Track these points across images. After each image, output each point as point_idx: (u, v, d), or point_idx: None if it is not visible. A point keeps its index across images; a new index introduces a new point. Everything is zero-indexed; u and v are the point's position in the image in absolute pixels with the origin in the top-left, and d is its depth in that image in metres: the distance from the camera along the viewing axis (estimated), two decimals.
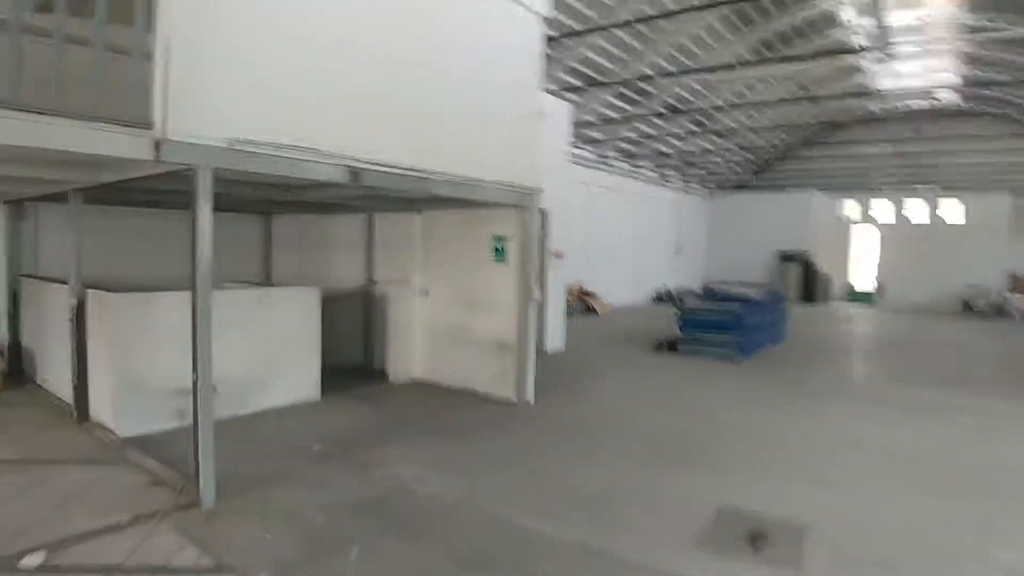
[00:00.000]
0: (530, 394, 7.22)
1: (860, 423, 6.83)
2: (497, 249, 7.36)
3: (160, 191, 7.27)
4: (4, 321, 7.88)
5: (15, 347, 7.79)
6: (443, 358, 7.99)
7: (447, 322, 7.92)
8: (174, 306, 6.03)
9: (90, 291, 6.15)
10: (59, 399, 6.61)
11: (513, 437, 5.97)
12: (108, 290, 6.07)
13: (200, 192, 4.26)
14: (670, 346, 11.23)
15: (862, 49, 15.57)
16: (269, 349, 6.71)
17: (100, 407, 6.00)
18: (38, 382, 7.35)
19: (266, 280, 10.26)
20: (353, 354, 9.01)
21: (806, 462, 5.48)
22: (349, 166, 4.99)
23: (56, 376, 6.85)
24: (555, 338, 11.00)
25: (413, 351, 8.26)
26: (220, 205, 9.26)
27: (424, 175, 5.68)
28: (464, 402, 7.24)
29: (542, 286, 7.30)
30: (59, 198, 8.03)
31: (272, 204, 8.58)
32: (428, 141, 5.76)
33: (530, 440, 5.91)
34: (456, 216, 7.79)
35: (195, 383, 4.41)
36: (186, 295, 6.18)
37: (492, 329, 7.43)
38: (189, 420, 6.16)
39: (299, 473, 4.91)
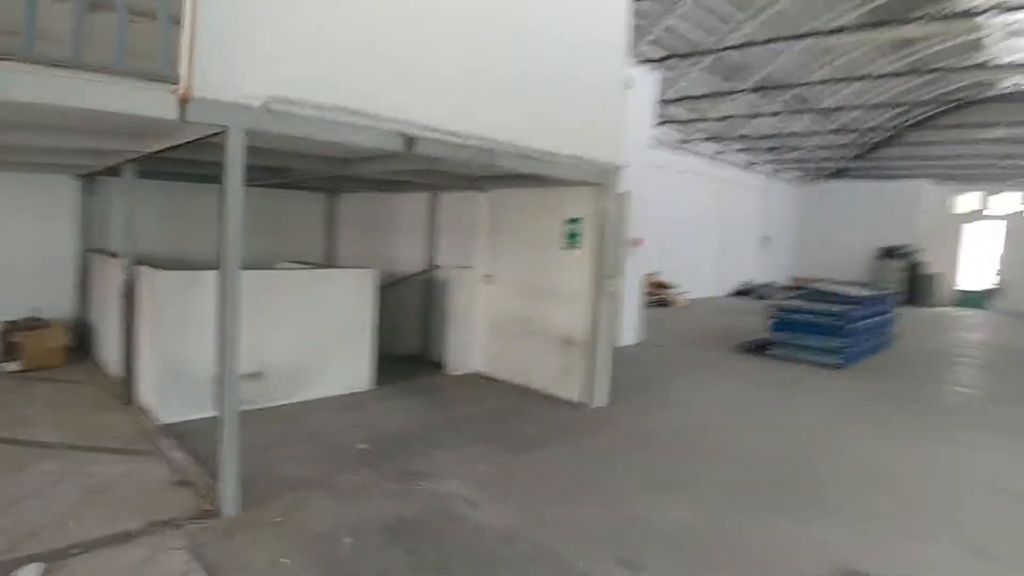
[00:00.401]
0: (600, 398, 6.44)
1: (1002, 458, 5.65)
2: (570, 233, 6.59)
3: (211, 164, 6.93)
4: (73, 296, 7.83)
5: (83, 323, 7.74)
6: (505, 351, 7.32)
7: (511, 312, 7.24)
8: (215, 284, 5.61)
9: (139, 268, 5.83)
10: (111, 379, 6.40)
11: (580, 452, 5.23)
12: (162, 267, 5.74)
13: (231, 159, 3.70)
14: (759, 348, 10.13)
15: (986, 11, 13.54)
16: (321, 335, 6.25)
17: (145, 390, 5.70)
18: (97, 360, 7.23)
19: (330, 261, 9.92)
20: (411, 343, 8.50)
21: (947, 514, 4.40)
22: (403, 133, 4.34)
23: (110, 355, 6.66)
24: (629, 333, 10.13)
25: (474, 342, 7.64)
26: (285, 181, 8.99)
27: (490, 146, 4.97)
28: (525, 402, 6.55)
29: (619, 276, 6.48)
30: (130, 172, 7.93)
31: (337, 181, 8.14)
32: (496, 107, 5.05)
33: (600, 457, 5.15)
34: (525, 195, 7.07)
35: (219, 377, 3.85)
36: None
37: (559, 322, 6.69)
38: None
39: (336, 479, 4.37)
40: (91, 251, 7.76)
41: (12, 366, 6.46)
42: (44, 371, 6.76)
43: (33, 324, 7.12)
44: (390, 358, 8.18)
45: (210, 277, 5.59)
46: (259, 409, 5.77)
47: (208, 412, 5.55)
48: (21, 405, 5.59)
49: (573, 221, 6.56)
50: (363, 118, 4.16)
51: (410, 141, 4.37)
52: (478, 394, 6.80)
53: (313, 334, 6.19)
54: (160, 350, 5.33)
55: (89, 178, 7.67)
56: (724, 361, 9.52)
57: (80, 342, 7.58)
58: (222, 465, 3.83)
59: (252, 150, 5.55)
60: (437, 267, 8.12)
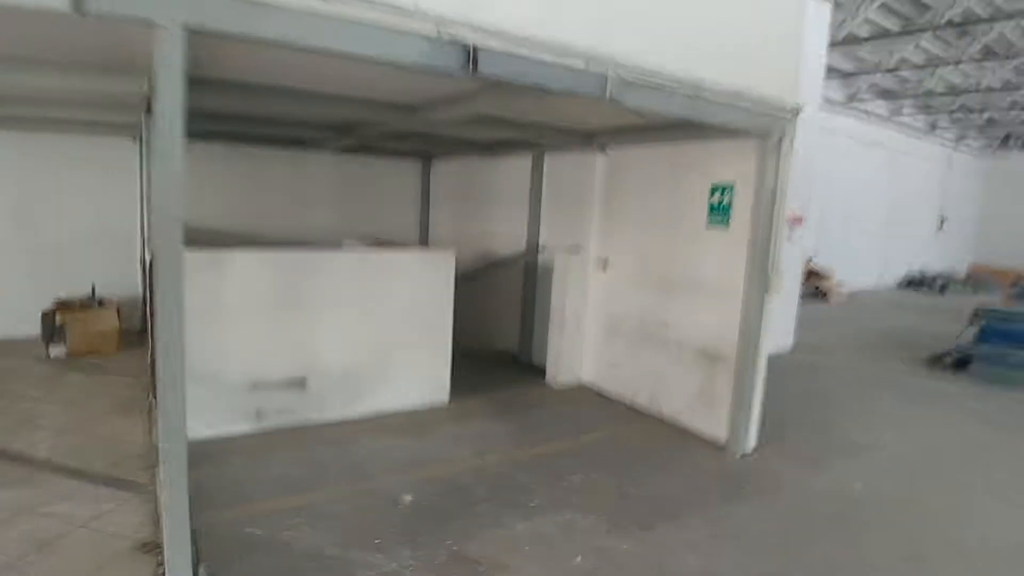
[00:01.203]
0: (750, 436, 4.61)
1: None
2: (717, 205, 4.75)
3: (294, 123, 5.84)
4: (140, 275, 7.13)
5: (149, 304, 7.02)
6: (624, 361, 5.64)
7: (633, 310, 5.52)
8: (252, 270, 4.41)
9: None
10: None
11: (728, 534, 3.49)
12: (216, 244, 4.69)
13: (163, 79, 2.32)
14: (958, 363, 7.65)
15: None
16: (384, 332, 4.91)
17: None
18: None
19: (422, 238, 8.67)
20: (507, 340, 7.03)
21: None
22: (456, 39, 2.76)
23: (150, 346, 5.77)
24: (781, 336, 8.01)
25: (582, 345, 6.02)
26: (364, 144, 7.79)
27: (594, 63, 3.27)
28: (649, 436, 4.86)
29: (783, 266, 4.58)
30: (200, 135, 7.07)
31: (428, 143, 6.79)
32: (606, 7, 3.33)
33: (759, 548, 3.38)
34: (655, 154, 5.28)
35: (157, 416, 2.57)
36: (268, 256, 4.58)
37: (699, 326, 4.90)
38: (267, 422, 4.61)
39: (352, 560, 2.97)
40: None
41: (56, 351, 5.74)
42: (92, 357, 6.03)
43: (87, 304, 6.44)
44: (479, 359, 6.81)
45: (234, 259, 4.43)
46: (298, 426, 4.57)
47: (236, 426, 4.45)
48: (38, 401, 4.76)
49: (721, 189, 4.72)
50: (391, 11, 2.63)
51: (469, 55, 2.78)
52: (584, 419, 5.19)
53: (374, 332, 4.87)
54: None
55: (143, 140, 6.86)
56: (911, 379, 7.18)
57: (146, 325, 6.85)
58: (168, 539, 2.54)
59: (311, 98, 4.30)
60: (540, 248, 6.56)
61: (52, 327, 5.71)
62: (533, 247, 6.58)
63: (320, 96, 4.30)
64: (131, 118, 5.39)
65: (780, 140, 4.23)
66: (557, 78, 3.09)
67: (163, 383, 2.51)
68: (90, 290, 6.45)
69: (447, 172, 8.43)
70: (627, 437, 4.79)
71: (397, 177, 8.52)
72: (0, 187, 6.30)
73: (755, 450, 4.58)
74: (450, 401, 5.25)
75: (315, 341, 4.63)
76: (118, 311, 6.28)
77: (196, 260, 4.21)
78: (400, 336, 4.98)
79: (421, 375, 5.13)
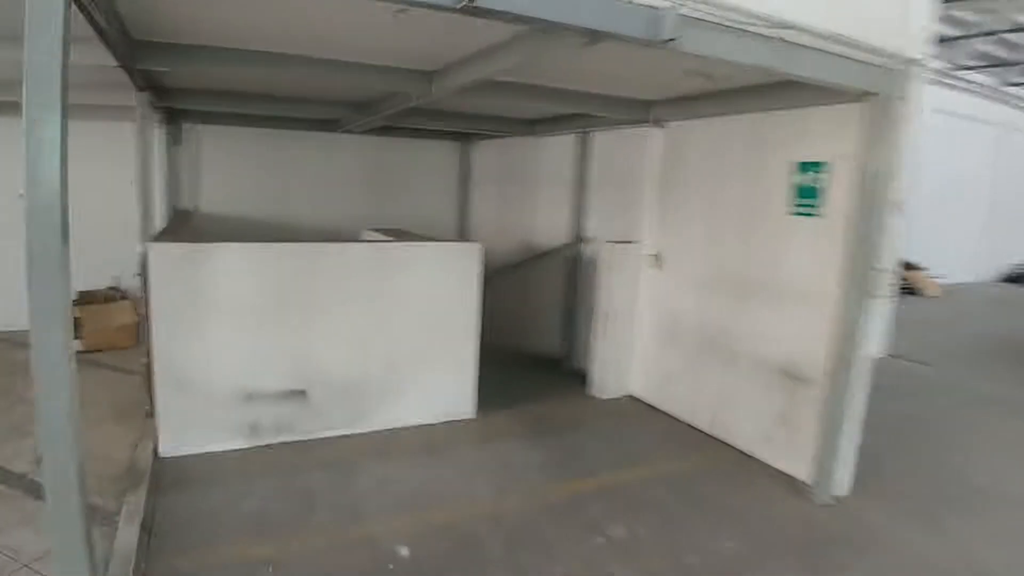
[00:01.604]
0: (842, 478, 3.68)
1: None
2: (805, 189, 3.81)
3: (320, 102, 5.24)
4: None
5: None
6: (681, 373, 4.77)
7: (694, 314, 4.64)
8: (242, 264, 3.80)
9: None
10: None
11: None
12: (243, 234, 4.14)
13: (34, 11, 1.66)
14: None
15: None
16: (398, 336, 4.24)
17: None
18: None
19: (461, 225, 7.98)
20: (548, 341, 6.26)
21: None
22: None
23: None
24: (872, 340, 6.86)
25: (632, 352, 5.19)
26: (408, 129, 7.12)
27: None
28: (711, 469, 4.00)
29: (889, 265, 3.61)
30: (220, 117, 6.56)
31: (466, 122, 6.06)
32: None
33: None
34: (726, 128, 4.35)
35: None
36: (262, 248, 3.94)
37: (777, 338, 3.99)
38: (263, 439, 4.01)
39: None
40: (181, 211, 6.55)
41: (74, 345, 5.35)
42: (110, 353, 5.68)
43: (111, 296, 6.10)
44: (517, 363, 6.08)
45: (221, 252, 3.82)
46: (299, 443, 3.96)
47: (227, 443, 3.87)
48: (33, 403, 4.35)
49: (811, 168, 3.77)
50: None
51: None
52: (632, 443, 4.37)
53: (386, 336, 4.20)
54: (159, 353, 3.66)
55: (173, 124, 6.40)
56: None
57: None
58: None
59: (312, 65, 3.65)
60: (585, 239, 5.73)
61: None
62: (578, 238, 5.76)
63: (324, 63, 3.63)
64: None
65: (895, 102, 3.25)
66: (589, 13, 2.26)
67: (43, 415, 1.87)
68: (113, 282, 6.10)
69: (487, 155, 7.67)
70: (684, 471, 3.94)
71: (434, 161, 7.83)
72: (15, 174, 5.97)
73: (847, 502, 3.65)
74: (476, 415, 4.55)
75: (317, 347, 4.00)
76: (135, 304, 5.89)
77: (176, 254, 3.64)
78: (416, 341, 4.29)
79: (441, 386, 4.43)
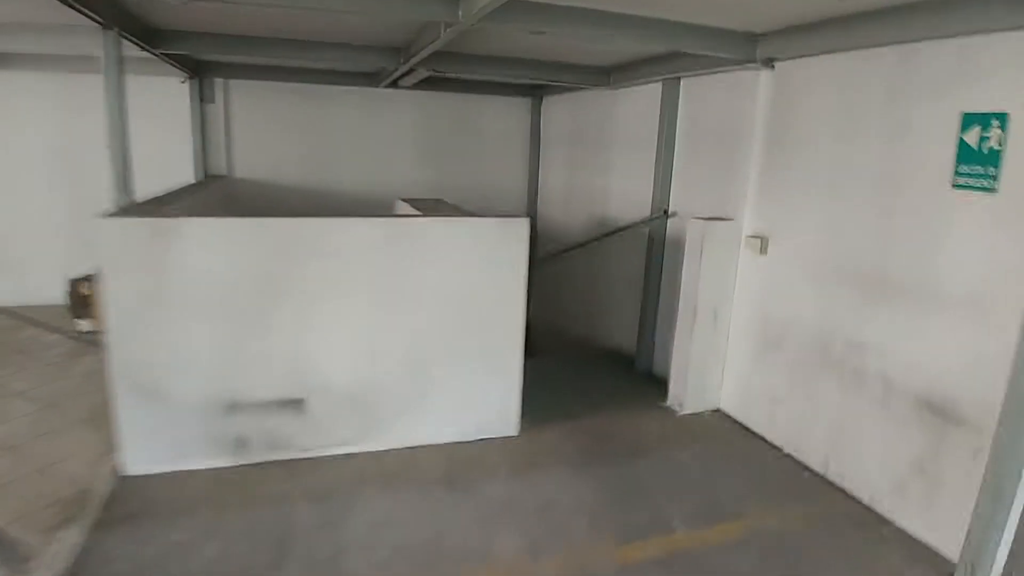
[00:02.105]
0: (1001, 555, 2.53)
1: None
2: (974, 152, 2.60)
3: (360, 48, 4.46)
4: None
5: None
6: (785, 391, 3.67)
7: (807, 316, 3.50)
8: (220, 244, 3.09)
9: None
10: None
11: None
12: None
13: None
14: None
15: None
16: (419, 334, 3.43)
17: None
18: None
19: (530, 192, 7.06)
20: (620, 335, 5.30)
21: None
22: None
23: None
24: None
25: (723, 358, 4.13)
26: (468, 81, 6.13)
27: None
28: (823, 529, 2.94)
29: None
30: (251, 72, 5.95)
31: (536, 70, 5.11)
32: None
33: None
34: (860, 66, 3.13)
35: None
36: (244, 225, 3.18)
37: (922, 357, 2.84)
38: (252, 456, 3.31)
39: None
40: (211, 178, 6.05)
41: (84, 325, 5.00)
42: None
43: None
44: (582, 359, 5.17)
45: (202, 229, 3.10)
46: (295, 461, 3.29)
47: (218, 459, 3.25)
48: (21, 396, 3.94)
49: (984, 121, 2.55)
50: None
51: None
52: (718, 483, 3.36)
53: (404, 334, 3.41)
54: (116, 353, 3.04)
55: (200, 79, 5.84)
56: None
57: None
58: None
59: None
60: (670, 213, 4.67)
61: (79, 299, 4.96)
62: (661, 211, 4.69)
63: None
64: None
65: None
66: None
67: None
68: None
69: (557, 112, 6.65)
70: (785, 529, 2.92)
71: (499, 120, 6.91)
72: (37, 133, 5.65)
73: None
74: (520, 432, 3.70)
75: (317, 348, 3.27)
76: None
77: (135, 232, 2.98)
78: (443, 341, 3.47)
79: (474, 397, 3.60)
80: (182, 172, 5.82)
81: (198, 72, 5.75)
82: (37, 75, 5.53)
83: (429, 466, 3.32)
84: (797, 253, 3.55)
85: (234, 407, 3.19)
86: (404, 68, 4.71)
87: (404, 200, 4.63)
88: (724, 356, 4.12)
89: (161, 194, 4.20)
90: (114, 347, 3.00)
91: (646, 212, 4.83)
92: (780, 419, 3.70)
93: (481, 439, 3.62)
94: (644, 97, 4.89)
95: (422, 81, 5.89)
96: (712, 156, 4.22)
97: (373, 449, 3.42)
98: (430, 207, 4.23)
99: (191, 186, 5.18)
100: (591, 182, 5.82)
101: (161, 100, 5.76)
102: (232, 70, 5.80)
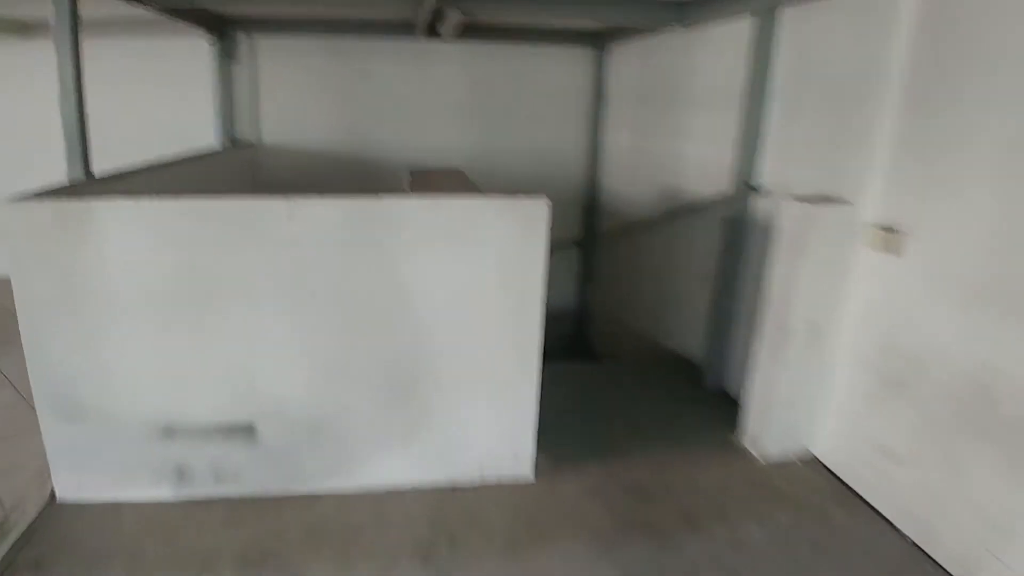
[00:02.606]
0: None
1: None
2: None
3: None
4: None
5: None
6: (912, 448, 2.58)
7: (955, 346, 2.38)
8: (147, 232, 2.37)
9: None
10: None
11: None
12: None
13: None
14: None
15: None
16: (401, 347, 2.62)
17: None
18: None
19: (591, 161, 6.06)
20: (684, 338, 4.32)
21: None
22: None
23: None
24: None
25: (823, 390, 3.05)
26: (519, 29, 4.78)
27: None
28: None
29: None
30: (278, 26, 5.25)
31: (588, 5, 4.11)
32: None
33: None
34: None
35: None
36: (175, 208, 2.29)
37: None
38: (196, 489, 2.51)
39: None
40: (236, 145, 5.46)
41: None
42: None
43: None
44: (634, 366, 4.22)
45: (123, 215, 2.37)
46: (245, 499, 2.60)
47: (156, 490, 2.60)
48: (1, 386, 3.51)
49: None
50: None
51: None
52: (808, 567, 2.38)
53: (384, 347, 2.60)
54: (32, 363, 2.43)
55: (223, 37, 5.20)
56: None
57: None
58: None
59: None
60: (757, 190, 3.57)
61: None
62: (744, 188, 3.60)
63: None
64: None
65: None
66: None
67: None
68: None
69: (624, 64, 5.55)
70: None
71: (558, 75, 5.89)
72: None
73: None
74: (536, 474, 2.85)
75: (269, 362, 2.54)
76: None
77: (43, 218, 2.31)
78: (432, 357, 2.64)
79: (474, 428, 2.77)
80: (204, 140, 5.26)
81: (221, 30, 5.11)
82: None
83: (406, 521, 2.54)
84: (950, 256, 2.41)
85: (171, 431, 2.53)
86: (448, 18, 3.82)
87: (412, 172, 3.79)
88: (823, 388, 3.06)
89: (143, 166, 3.59)
90: (30, 357, 2.40)
91: (725, 186, 3.75)
92: (900, 486, 2.63)
93: (483, 483, 2.80)
94: (728, 38, 3.77)
95: (468, 31, 5.01)
96: (821, 113, 3.09)
97: (342, 489, 2.69)
98: (436, 181, 3.36)
99: (198, 155, 4.57)
100: (661, 147, 4.75)
101: (182, 62, 5.20)
102: (257, 25, 5.14)
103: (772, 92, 3.45)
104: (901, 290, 2.65)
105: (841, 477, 2.96)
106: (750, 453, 3.17)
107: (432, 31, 5.01)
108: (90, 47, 4.95)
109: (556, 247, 5.68)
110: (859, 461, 2.88)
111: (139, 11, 4.20)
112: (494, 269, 2.58)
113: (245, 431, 2.58)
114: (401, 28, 5.10)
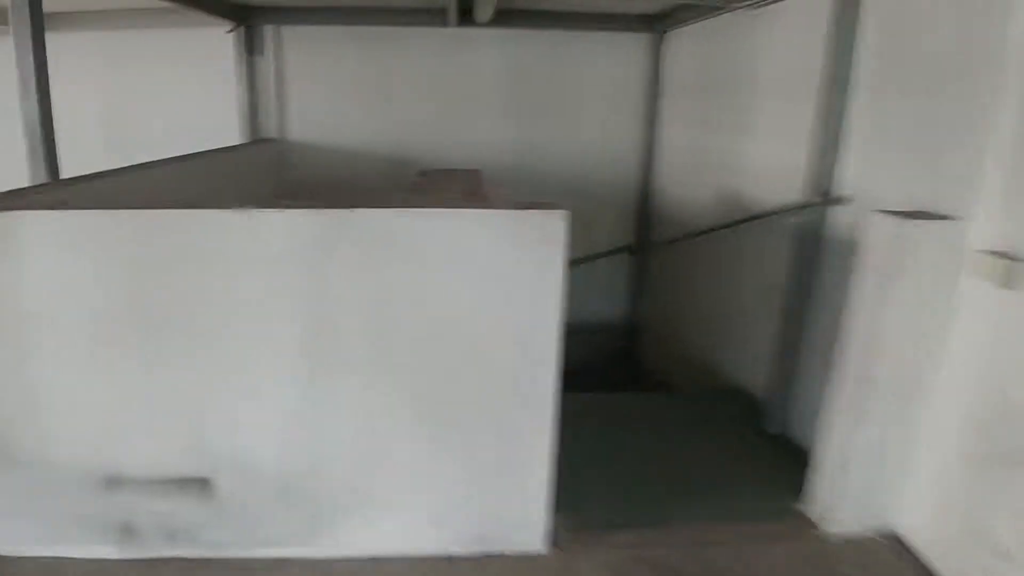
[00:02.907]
0: None
1: None
2: None
3: None
4: None
5: None
6: (1022, 535, 1.95)
7: None
8: (75, 249, 2.01)
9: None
10: None
11: None
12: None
13: None
14: None
15: None
16: (389, 390, 2.17)
17: None
18: None
19: (646, 161, 5.47)
20: (745, 369, 3.71)
21: None
22: None
23: None
24: None
25: (913, 455, 2.41)
26: (574, 14, 4.23)
27: None
28: None
29: None
30: (302, 13, 4.93)
31: None
32: None
33: None
34: None
35: None
36: (108, 219, 1.83)
37: None
38: (145, 549, 2.04)
39: None
40: (260, 141, 5.19)
41: None
42: None
43: None
44: (684, 395, 3.67)
45: (47, 228, 1.97)
46: (201, 562, 2.23)
47: (92, 549, 2.27)
48: None
49: None
50: None
51: None
52: None
53: (363, 389, 2.17)
54: None
55: (246, 28, 4.92)
56: None
57: None
58: None
59: None
60: (836, 199, 2.92)
61: None
62: (819, 195, 2.96)
63: None
64: None
65: None
66: None
67: None
68: None
69: (683, 50, 4.92)
70: None
71: (609, 62, 5.31)
72: (87, 96, 5.05)
73: None
74: (550, 546, 2.35)
75: (227, 408, 2.15)
76: None
77: None
78: (422, 404, 2.19)
79: (474, 489, 2.30)
80: (226, 137, 5.01)
81: (243, 19, 4.84)
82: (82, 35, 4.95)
83: None
84: None
85: (116, 481, 2.19)
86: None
87: (422, 173, 3.34)
88: (916, 451, 2.42)
89: (136, 165, 3.31)
90: None
91: (796, 193, 3.12)
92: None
93: (485, 554, 2.33)
94: (802, 14, 3.14)
95: (506, 15, 4.54)
96: (920, 103, 2.44)
97: (315, 555, 2.28)
98: (441, 186, 2.89)
99: (211, 152, 4.29)
100: (721, 145, 4.13)
101: (203, 56, 4.96)
102: (282, 14, 4.84)
103: (856, 78, 2.81)
104: (1021, 335, 1.99)
105: (928, 561, 2.32)
106: (818, 525, 2.56)
107: (466, 16, 4.57)
108: (109, 39, 4.86)
109: (607, 254, 5.18)
110: (955, 548, 2.24)
111: (159, 2, 3.97)
112: (496, 295, 2.10)
113: (199, 485, 2.21)
114: (433, 14, 4.68)
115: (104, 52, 4.94)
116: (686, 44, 4.84)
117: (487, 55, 5.15)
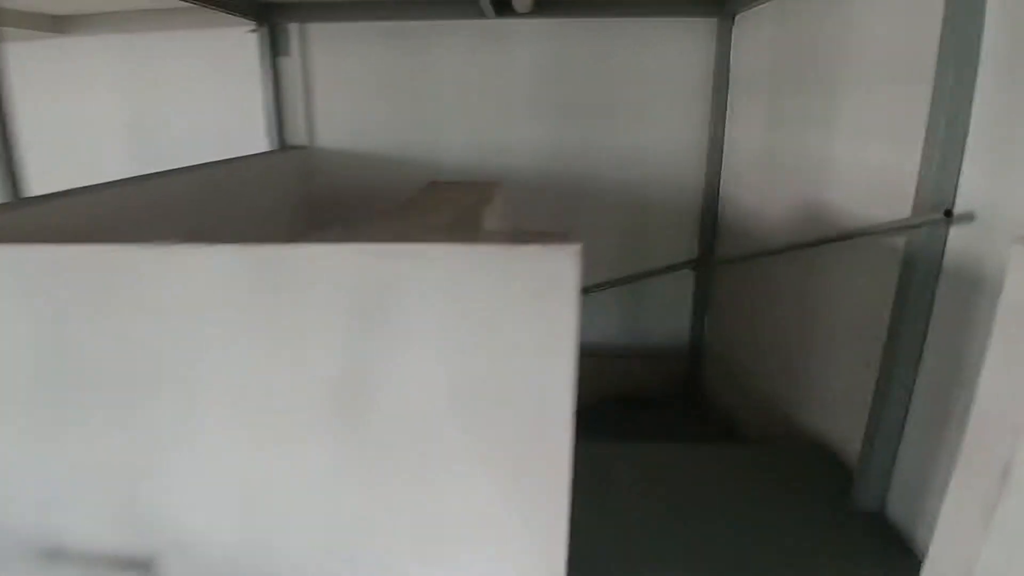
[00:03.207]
0: None
1: None
2: None
3: None
4: None
5: None
6: None
7: None
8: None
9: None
10: None
11: None
12: None
13: None
14: None
15: None
16: (370, 456, 1.73)
17: None
18: None
19: (713, 167, 4.84)
20: (831, 421, 3.04)
21: None
22: None
23: None
24: None
25: None
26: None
27: None
28: None
29: None
30: (328, 9, 4.61)
31: None
32: None
33: None
34: None
35: None
36: (27, 253, 1.63)
37: None
38: None
39: None
40: (287, 149, 4.91)
41: None
42: None
43: None
44: (749, 446, 3.07)
45: None
46: None
47: None
48: None
49: None
50: None
51: None
52: None
53: (335, 457, 1.73)
54: None
55: (270, 27, 4.64)
56: None
57: None
58: None
59: None
60: (955, 216, 2.25)
61: None
62: (937, 210, 2.29)
63: None
64: None
65: None
66: None
67: None
68: None
69: (758, 33, 4.25)
70: None
71: (667, 52, 4.70)
72: (111, 101, 4.93)
73: None
74: None
75: (168, 481, 1.77)
76: None
77: None
78: (398, 475, 1.73)
79: (474, 552, 1.82)
80: (254, 142, 4.76)
81: (266, 17, 4.57)
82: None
83: None
84: None
85: (54, 555, 1.86)
86: None
87: (431, 185, 2.88)
88: None
89: (133, 177, 3.03)
90: None
91: (903, 206, 2.46)
92: None
93: None
94: None
95: (549, 3, 4.06)
96: None
97: None
98: (437, 204, 2.41)
99: (236, 160, 4.02)
100: (802, 144, 3.47)
101: (227, 58, 4.73)
102: (307, 11, 4.54)
103: (981, 56, 2.14)
104: None
105: None
106: None
107: (504, 6, 4.11)
108: (126, 42, 4.71)
109: (666, 270, 4.57)
110: None
111: (179, 2, 3.73)
112: (490, 356, 1.61)
113: (142, 567, 1.83)
114: (469, 4, 4.24)
115: (122, 55, 4.80)
116: (761, 28, 4.18)
117: (528, 49, 4.66)
